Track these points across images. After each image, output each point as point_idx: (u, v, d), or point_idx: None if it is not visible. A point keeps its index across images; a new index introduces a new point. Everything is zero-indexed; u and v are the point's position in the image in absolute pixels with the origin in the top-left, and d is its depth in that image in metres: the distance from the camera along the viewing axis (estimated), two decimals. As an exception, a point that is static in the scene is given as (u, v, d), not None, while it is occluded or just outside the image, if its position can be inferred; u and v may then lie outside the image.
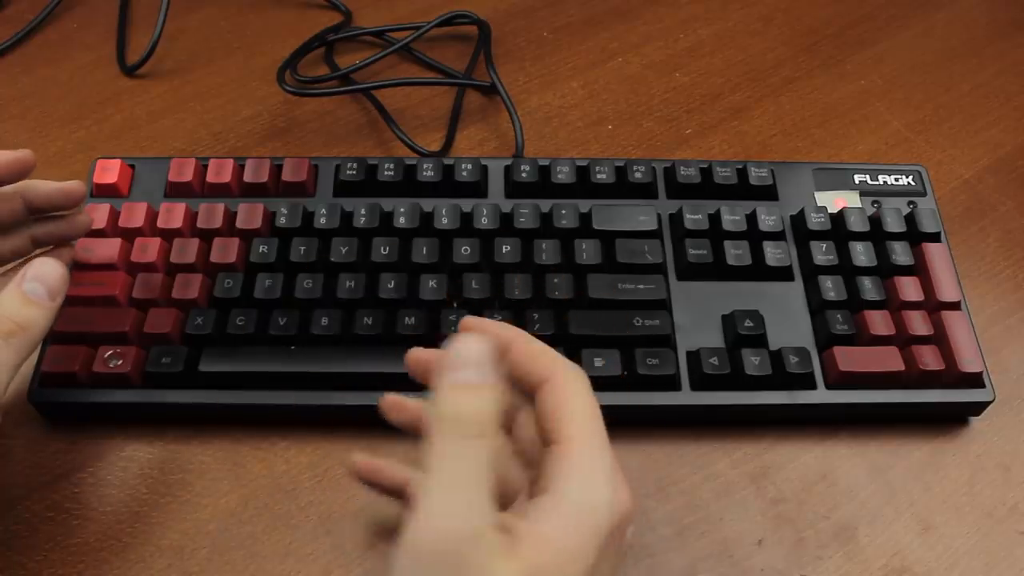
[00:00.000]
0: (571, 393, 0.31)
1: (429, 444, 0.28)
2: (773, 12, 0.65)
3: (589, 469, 0.29)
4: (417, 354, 0.34)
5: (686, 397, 0.43)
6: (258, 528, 0.41)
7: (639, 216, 0.48)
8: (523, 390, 0.32)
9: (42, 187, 0.41)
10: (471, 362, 0.29)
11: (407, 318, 0.43)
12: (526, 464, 0.33)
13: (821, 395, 0.44)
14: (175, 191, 0.49)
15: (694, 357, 0.44)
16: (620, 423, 0.44)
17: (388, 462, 0.37)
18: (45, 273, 0.36)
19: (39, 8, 0.62)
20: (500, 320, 0.43)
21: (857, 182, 0.51)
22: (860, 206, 0.49)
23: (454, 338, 0.30)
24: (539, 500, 0.28)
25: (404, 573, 0.26)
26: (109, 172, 0.48)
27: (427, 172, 0.49)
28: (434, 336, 0.43)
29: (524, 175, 0.49)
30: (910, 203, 0.50)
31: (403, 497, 0.37)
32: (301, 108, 0.58)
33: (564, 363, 0.32)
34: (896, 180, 0.51)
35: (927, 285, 0.46)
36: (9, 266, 0.42)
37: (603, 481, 0.29)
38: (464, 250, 0.46)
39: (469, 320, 0.34)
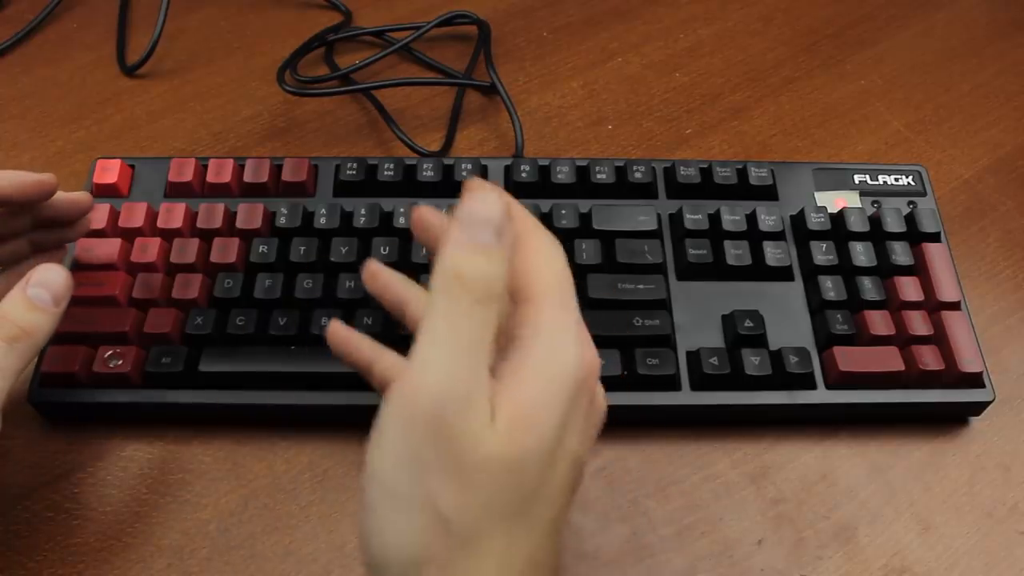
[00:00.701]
0: (543, 256, 0.31)
1: (433, 301, 0.27)
2: (773, 12, 0.65)
3: (556, 327, 0.29)
4: (425, 215, 0.34)
5: (686, 397, 0.43)
6: (258, 528, 0.41)
7: (639, 216, 0.48)
8: None
9: (52, 200, 0.41)
10: (486, 221, 0.28)
11: (407, 318, 0.43)
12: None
13: (821, 395, 0.44)
14: (175, 191, 0.49)
15: (694, 357, 0.44)
16: (620, 423, 0.44)
17: (361, 338, 0.37)
18: (50, 279, 0.36)
19: (39, 8, 0.62)
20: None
21: (857, 182, 0.51)
22: (860, 206, 0.49)
23: (467, 194, 0.29)
24: (511, 358, 0.28)
25: (392, 427, 0.27)
26: (109, 172, 0.48)
27: (427, 172, 0.49)
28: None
29: (524, 175, 0.49)
30: (910, 203, 0.50)
31: (369, 375, 0.36)
32: (301, 108, 0.58)
33: (541, 228, 0.32)
34: (896, 180, 0.51)
35: (927, 285, 0.46)
36: (16, 269, 0.42)
37: (570, 339, 0.29)
38: (464, 250, 0.46)
39: (475, 181, 0.31)
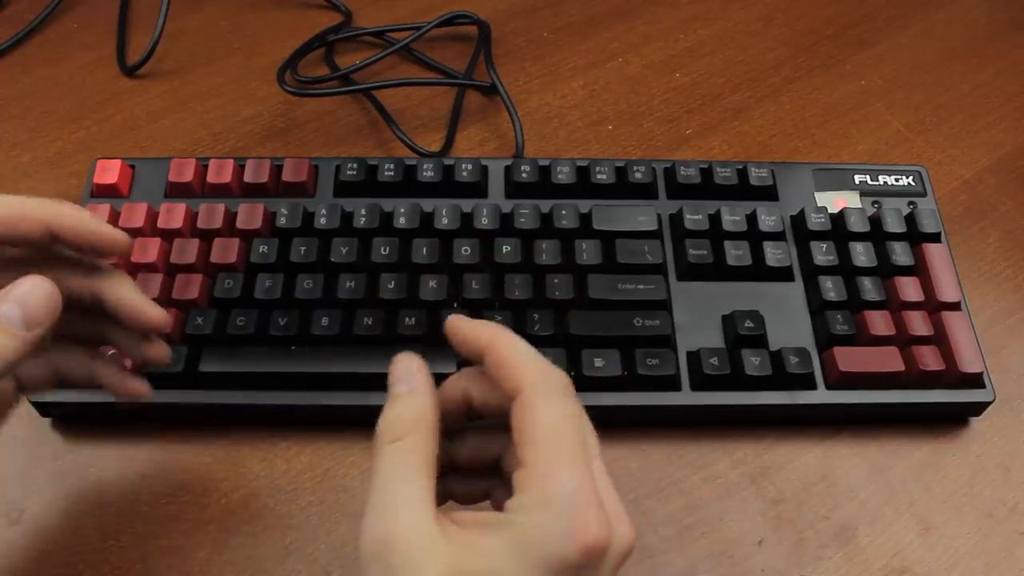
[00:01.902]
0: (536, 416, 0.28)
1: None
2: (773, 12, 0.65)
3: (542, 499, 0.27)
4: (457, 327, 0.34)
5: (686, 397, 0.43)
6: (258, 528, 0.41)
7: (639, 216, 0.48)
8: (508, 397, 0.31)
9: (124, 301, 0.35)
10: (399, 377, 0.31)
11: (407, 318, 0.43)
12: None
13: (821, 395, 0.44)
14: (175, 191, 0.49)
15: (694, 357, 0.44)
16: (620, 423, 0.44)
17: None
18: (28, 296, 0.30)
19: (39, 8, 0.62)
20: (499, 320, 0.44)
21: (857, 182, 0.51)
22: (860, 206, 0.49)
23: (393, 360, 0.32)
24: (490, 514, 0.28)
25: (360, 568, 0.28)
26: (109, 172, 0.48)
27: (427, 172, 0.49)
28: (434, 336, 0.43)
29: (524, 175, 0.49)
30: (910, 203, 0.50)
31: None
32: (301, 108, 0.58)
33: (538, 373, 0.30)
34: (896, 180, 0.51)
35: (927, 285, 0.46)
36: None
37: (558, 513, 0.27)
38: (464, 250, 0.46)
39: (453, 321, 0.33)
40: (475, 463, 0.34)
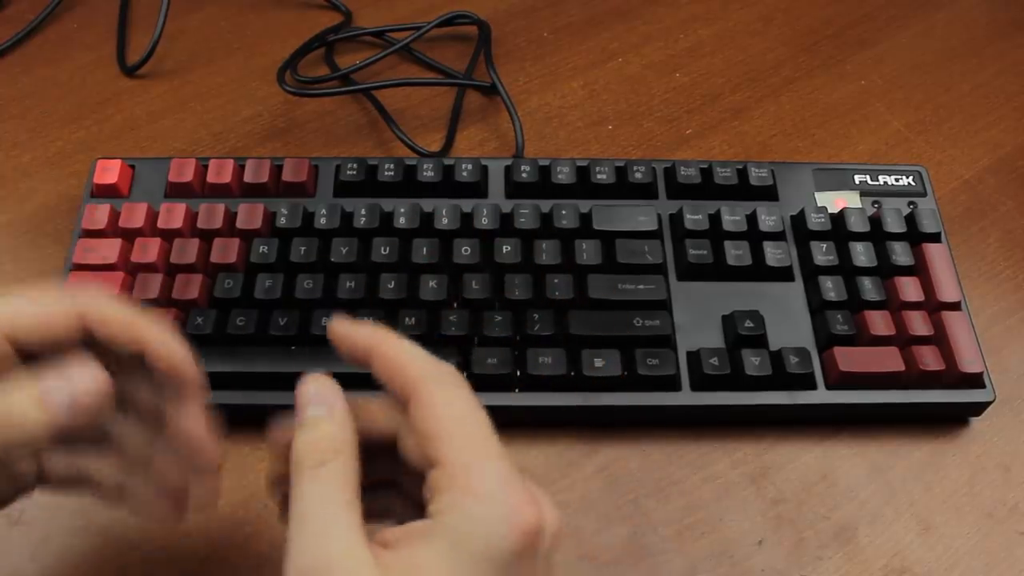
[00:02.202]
0: (439, 410, 0.28)
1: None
2: (773, 12, 0.65)
3: (468, 493, 0.26)
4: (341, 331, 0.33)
5: (686, 397, 0.43)
6: (258, 528, 0.41)
7: (639, 216, 0.48)
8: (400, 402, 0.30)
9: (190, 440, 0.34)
10: (307, 401, 0.30)
11: (407, 318, 0.43)
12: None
13: (821, 395, 0.44)
14: (175, 191, 0.49)
15: (694, 357, 0.44)
16: (620, 423, 0.44)
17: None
18: (77, 379, 0.29)
19: (39, 8, 0.62)
20: (499, 320, 0.43)
21: (857, 182, 0.51)
22: (860, 206, 0.49)
23: (299, 383, 0.30)
24: (416, 524, 0.27)
25: None
26: (109, 172, 0.48)
27: (427, 172, 0.49)
28: (434, 337, 0.44)
29: (524, 175, 0.49)
30: (910, 203, 0.50)
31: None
32: (301, 108, 0.58)
33: (429, 372, 0.29)
34: (896, 180, 0.51)
35: (927, 285, 0.46)
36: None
37: (488, 503, 0.26)
38: (464, 250, 0.46)
39: (335, 327, 0.32)
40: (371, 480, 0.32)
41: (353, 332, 0.31)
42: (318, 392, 0.30)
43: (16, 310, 0.29)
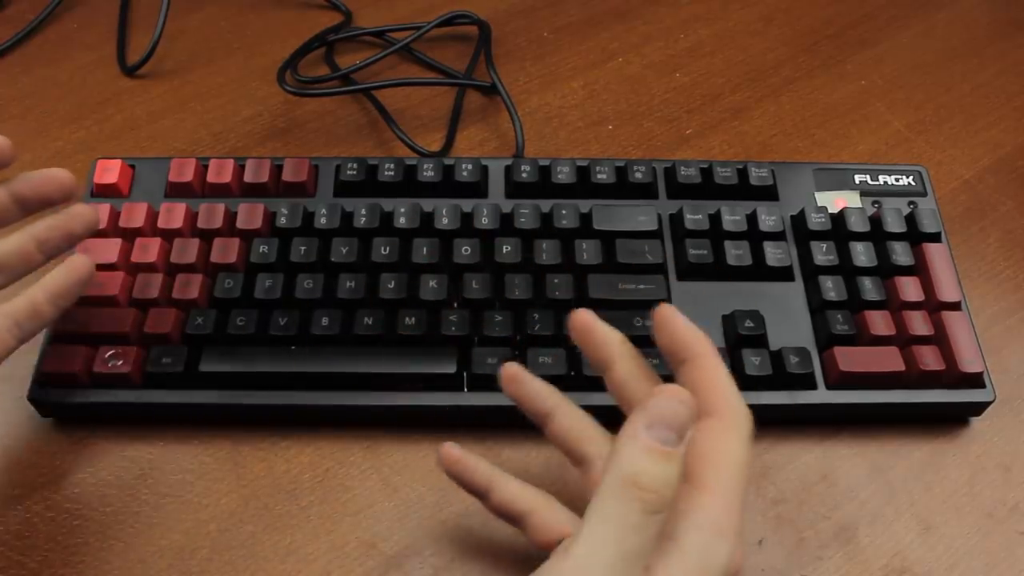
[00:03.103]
0: (728, 441, 0.29)
1: (602, 502, 0.27)
2: (773, 12, 0.65)
3: (716, 525, 0.27)
4: (588, 324, 0.35)
5: (686, 397, 0.43)
6: (258, 528, 0.41)
7: (639, 216, 0.48)
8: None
9: (23, 179, 0.39)
10: (673, 423, 0.27)
11: (407, 318, 0.43)
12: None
13: (821, 395, 0.44)
14: (175, 191, 0.49)
15: (694, 357, 0.44)
16: (620, 423, 0.44)
17: (476, 460, 0.37)
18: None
19: (39, 8, 0.62)
20: (499, 320, 0.43)
21: (857, 182, 0.51)
22: (860, 206, 0.49)
23: (657, 392, 0.28)
24: (664, 549, 0.26)
25: None
26: (109, 172, 0.48)
27: (427, 172, 0.49)
28: (434, 337, 0.44)
29: (524, 175, 0.49)
30: (910, 203, 0.50)
31: (486, 500, 0.37)
32: (301, 108, 0.58)
33: (738, 408, 0.30)
34: (896, 180, 0.51)
35: (927, 285, 0.46)
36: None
37: (726, 542, 0.27)
38: (464, 250, 0.46)
39: (669, 314, 0.32)
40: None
41: (688, 331, 0.32)
42: (681, 417, 0.28)
43: None
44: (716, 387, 0.30)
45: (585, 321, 0.35)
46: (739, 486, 0.28)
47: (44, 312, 0.38)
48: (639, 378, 0.34)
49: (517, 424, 0.39)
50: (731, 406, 0.29)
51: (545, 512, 0.36)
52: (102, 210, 0.46)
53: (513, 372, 0.38)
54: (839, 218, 0.48)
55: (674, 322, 0.32)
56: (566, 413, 0.37)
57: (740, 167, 0.50)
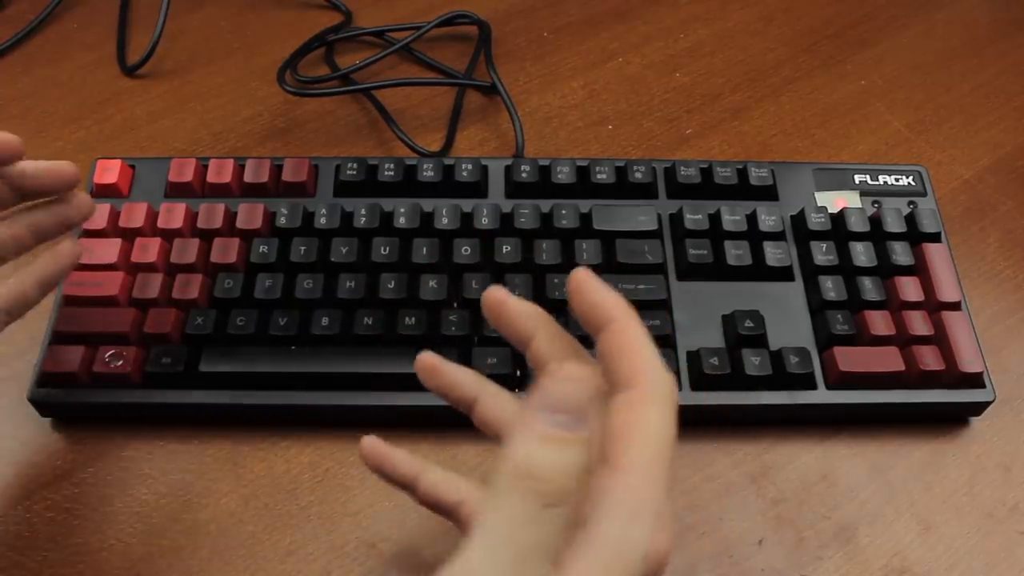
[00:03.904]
0: (645, 414, 0.25)
1: (495, 497, 0.25)
2: (773, 12, 0.65)
3: (630, 505, 0.24)
4: (501, 302, 0.31)
5: (686, 397, 0.43)
6: (258, 528, 0.41)
7: (639, 216, 0.48)
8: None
9: (29, 168, 0.38)
10: (567, 405, 0.26)
11: (407, 318, 0.43)
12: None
13: (821, 395, 0.44)
14: (175, 191, 0.49)
15: (694, 357, 0.44)
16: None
17: (398, 452, 0.36)
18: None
19: (39, 8, 0.62)
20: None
21: (857, 182, 0.51)
22: (860, 206, 0.49)
23: (554, 369, 0.25)
24: (574, 540, 0.24)
25: None
26: (109, 172, 0.48)
27: (427, 172, 0.49)
28: (434, 337, 0.44)
29: (524, 175, 0.49)
30: (910, 203, 0.50)
31: (414, 492, 0.35)
32: (301, 108, 0.58)
33: (658, 376, 0.26)
34: (896, 180, 0.51)
35: (927, 285, 0.46)
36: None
37: (643, 524, 0.24)
38: (464, 250, 0.46)
39: (584, 279, 0.28)
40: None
41: (603, 296, 0.28)
42: (576, 399, 0.26)
43: None
44: (631, 355, 0.26)
45: (495, 298, 0.31)
46: (658, 462, 0.25)
47: (31, 297, 0.38)
48: (562, 352, 0.30)
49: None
50: (648, 375, 0.26)
51: (476, 503, 0.34)
52: (102, 210, 0.46)
53: (429, 363, 0.34)
54: (839, 218, 0.48)
55: (588, 286, 0.28)
56: (491, 395, 0.33)
57: (740, 167, 0.50)
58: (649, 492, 0.24)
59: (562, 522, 0.24)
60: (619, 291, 0.44)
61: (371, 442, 0.35)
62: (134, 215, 0.46)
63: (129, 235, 0.46)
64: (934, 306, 0.46)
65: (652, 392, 0.26)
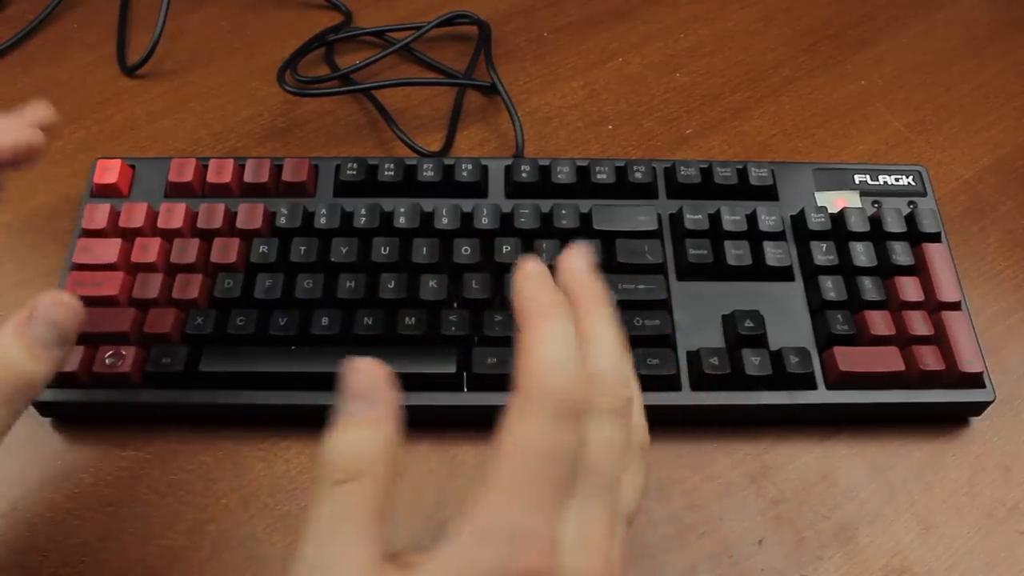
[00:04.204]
0: (521, 424, 0.24)
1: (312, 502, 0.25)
2: (773, 12, 0.65)
3: (484, 530, 0.23)
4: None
5: (686, 397, 0.43)
6: (258, 528, 0.41)
7: (639, 216, 0.48)
8: None
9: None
10: (358, 392, 0.26)
11: (407, 318, 0.43)
12: None
13: (821, 395, 0.44)
14: (175, 191, 0.49)
15: (694, 357, 0.44)
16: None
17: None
18: (57, 315, 0.29)
19: (39, 8, 0.62)
20: (499, 320, 0.43)
21: (857, 182, 0.51)
22: (860, 206, 0.49)
23: (348, 362, 0.26)
24: (431, 553, 0.24)
25: None
26: (109, 172, 0.48)
27: (427, 172, 0.49)
28: (434, 337, 0.44)
29: (524, 175, 0.49)
30: (910, 203, 0.50)
31: None
32: (301, 108, 0.58)
33: (539, 376, 0.25)
34: (896, 180, 0.51)
35: (927, 285, 0.46)
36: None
37: (495, 547, 0.23)
38: (464, 250, 0.46)
39: (527, 276, 0.28)
40: None
41: (535, 294, 0.27)
42: (365, 383, 0.26)
43: None
44: (524, 359, 0.25)
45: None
46: (529, 480, 0.24)
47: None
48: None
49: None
50: (534, 381, 0.25)
51: None
52: (102, 210, 0.46)
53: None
54: (839, 218, 0.48)
55: (520, 284, 0.28)
56: None
57: (740, 167, 0.50)
58: (507, 512, 0.23)
59: (364, 497, 0.24)
60: (619, 291, 0.45)
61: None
62: (134, 215, 0.46)
63: (129, 235, 0.46)
64: (934, 306, 0.46)
65: (531, 400, 0.25)
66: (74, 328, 0.30)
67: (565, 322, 0.26)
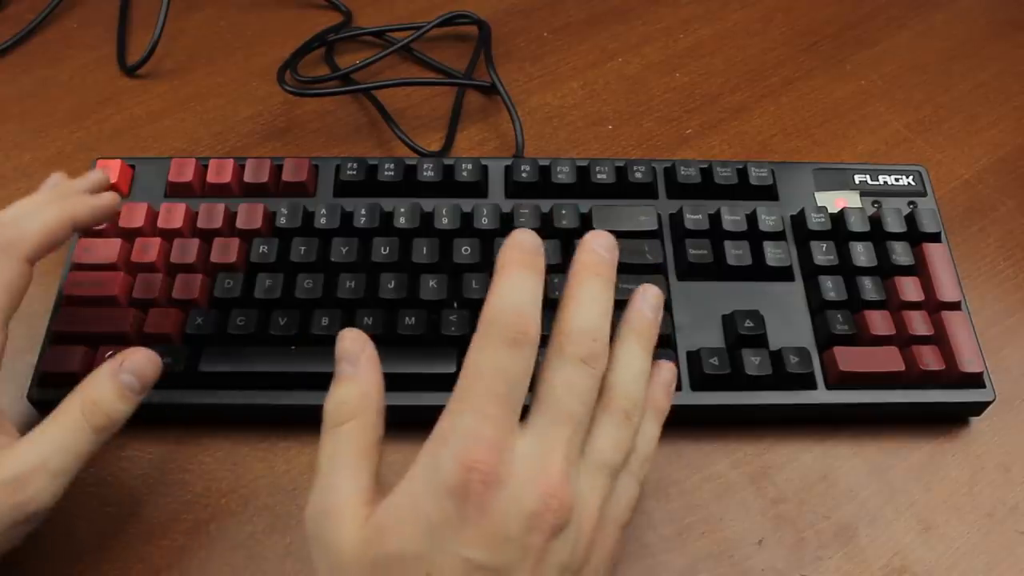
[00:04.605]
0: (475, 348, 0.30)
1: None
2: (773, 12, 0.66)
3: (442, 429, 0.30)
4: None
5: (686, 397, 0.43)
6: (258, 528, 0.41)
7: (639, 216, 0.48)
8: None
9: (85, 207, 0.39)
10: (343, 356, 0.32)
11: (407, 318, 0.43)
12: None
13: (821, 395, 0.44)
14: (175, 191, 0.49)
15: (694, 357, 0.44)
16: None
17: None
18: (143, 367, 0.35)
19: (39, 8, 0.62)
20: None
21: (857, 182, 0.51)
22: (860, 206, 0.49)
23: (338, 336, 0.33)
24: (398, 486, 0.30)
25: (308, 546, 0.31)
26: (109, 172, 0.48)
27: (427, 172, 0.49)
28: (434, 337, 0.44)
29: (524, 175, 0.49)
30: (910, 203, 0.50)
31: None
32: (301, 108, 0.58)
33: (495, 316, 0.31)
34: (896, 180, 0.51)
35: (927, 285, 0.46)
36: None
37: (451, 442, 0.29)
38: (464, 250, 0.46)
39: (515, 235, 0.32)
40: None
41: (507, 248, 0.32)
42: (348, 349, 0.32)
43: (33, 242, 0.36)
44: (488, 298, 0.31)
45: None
46: (479, 391, 0.29)
47: (59, 236, 0.38)
48: None
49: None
50: (490, 315, 0.30)
51: None
52: (102, 210, 0.46)
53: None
54: (839, 218, 0.48)
55: (502, 247, 0.32)
56: None
57: (740, 167, 0.50)
58: (460, 418, 0.29)
59: (355, 434, 0.31)
60: (619, 291, 0.44)
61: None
62: (134, 215, 0.46)
63: (129, 235, 0.46)
64: (934, 306, 0.46)
65: (485, 331, 0.30)
66: (154, 380, 0.36)
67: (532, 274, 0.31)
